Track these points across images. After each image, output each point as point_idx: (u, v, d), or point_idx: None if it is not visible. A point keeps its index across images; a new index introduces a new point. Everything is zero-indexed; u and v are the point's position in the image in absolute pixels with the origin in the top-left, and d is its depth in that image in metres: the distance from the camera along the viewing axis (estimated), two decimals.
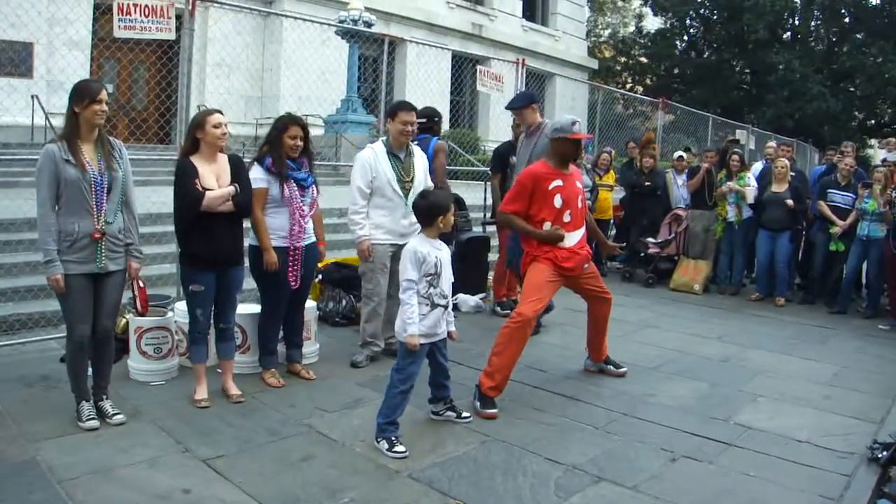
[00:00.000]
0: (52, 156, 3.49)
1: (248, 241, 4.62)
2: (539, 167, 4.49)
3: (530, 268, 4.45)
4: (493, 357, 4.21)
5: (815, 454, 3.71)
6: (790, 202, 7.57)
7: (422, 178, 4.98)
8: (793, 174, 7.95)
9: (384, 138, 5.03)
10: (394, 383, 3.63)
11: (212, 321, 4.28)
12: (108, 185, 3.63)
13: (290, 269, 4.45)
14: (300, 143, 4.42)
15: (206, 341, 4.25)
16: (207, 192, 3.93)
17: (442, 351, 3.85)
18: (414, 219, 4.52)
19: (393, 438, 3.53)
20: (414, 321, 3.57)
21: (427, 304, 3.64)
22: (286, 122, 4.42)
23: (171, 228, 4.43)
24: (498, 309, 6.57)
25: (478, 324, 6.20)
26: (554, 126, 4.53)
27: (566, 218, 4.41)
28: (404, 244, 4.89)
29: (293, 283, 4.48)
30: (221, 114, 4.12)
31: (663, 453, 3.65)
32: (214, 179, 4.01)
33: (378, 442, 3.54)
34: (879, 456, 3.58)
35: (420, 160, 5.05)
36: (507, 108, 6.03)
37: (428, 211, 3.72)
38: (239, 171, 4.16)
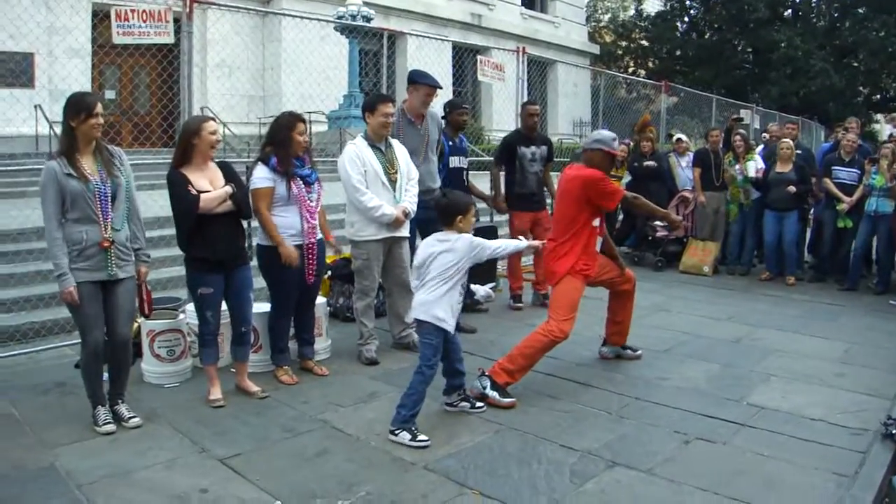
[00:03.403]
0: (53, 173, 3.51)
1: (255, 241, 4.64)
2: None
3: (565, 280, 4.37)
4: (519, 357, 4.22)
5: (829, 432, 3.71)
6: (792, 189, 7.51)
7: (406, 169, 4.94)
8: (798, 153, 7.88)
9: (362, 133, 4.95)
10: (420, 369, 3.67)
11: (231, 324, 4.31)
12: (113, 194, 3.65)
13: (308, 266, 4.46)
14: (307, 138, 4.44)
15: (217, 343, 4.27)
16: (203, 195, 3.94)
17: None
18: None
19: (414, 429, 3.56)
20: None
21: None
22: (293, 120, 4.39)
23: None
24: (511, 302, 6.55)
25: (489, 313, 6.22)
26: (594, 137, 4.52)
27: (595, 222, 4.46)
28: (398, 236, 4.92)
29: (309, 280, 4.50)
30: (215, 121, 4.15)
31: (677, 436, 3.66)
32: (208, 183, 4.02)
33: (396, 434, 3.56)
34: (893, 432, 3.57)
35: (401, 151, 5.00)
36: (430, 83, 5.30)
37: (445, 210, 3.82)
38: (231, 174, 4.17)
